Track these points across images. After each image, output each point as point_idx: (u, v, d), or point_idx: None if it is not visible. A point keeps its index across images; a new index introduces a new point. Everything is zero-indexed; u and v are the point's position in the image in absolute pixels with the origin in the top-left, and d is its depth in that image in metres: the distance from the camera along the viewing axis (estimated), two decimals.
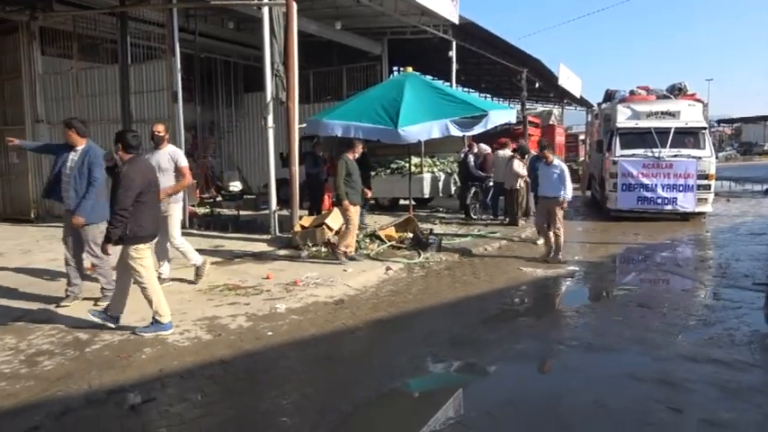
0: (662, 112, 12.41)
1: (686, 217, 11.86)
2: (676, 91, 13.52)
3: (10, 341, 4.76)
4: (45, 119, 11.76)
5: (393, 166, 13.09)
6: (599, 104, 16.64)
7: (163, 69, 10.34)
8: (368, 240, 8.89)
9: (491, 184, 12.40)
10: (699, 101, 13.06)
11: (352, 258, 7.77)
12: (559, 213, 8.10)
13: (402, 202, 12.61)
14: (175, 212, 6.44)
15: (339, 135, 8.83)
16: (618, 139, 12.19)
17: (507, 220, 11.52)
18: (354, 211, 7.83)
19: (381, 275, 7.22)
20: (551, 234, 8.15)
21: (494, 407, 3.83)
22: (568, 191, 8.05)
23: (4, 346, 4.64)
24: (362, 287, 6.68)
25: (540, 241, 8.88)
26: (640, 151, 11.91)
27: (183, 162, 6.32)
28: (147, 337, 4.81)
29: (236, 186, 15.81)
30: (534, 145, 15.33)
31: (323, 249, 8.34)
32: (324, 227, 8.63)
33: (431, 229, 9.74)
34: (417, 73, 10.27)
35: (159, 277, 6.23)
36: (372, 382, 4.13)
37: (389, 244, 8.67)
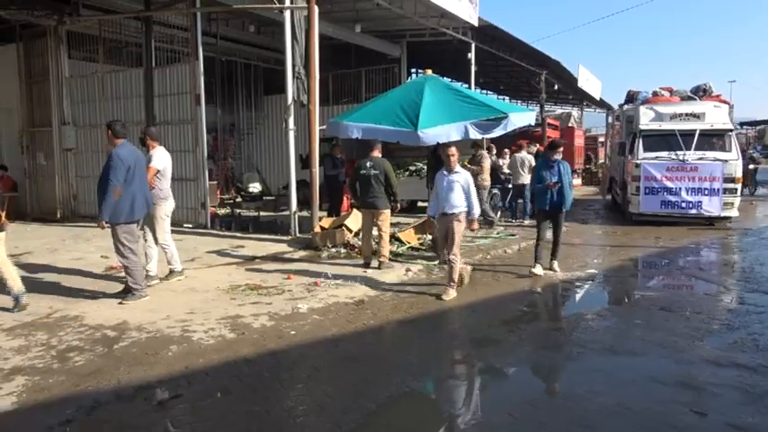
0: (686, 114, 12.10)
1: (711, 222, 11.57)
2: (701, 92, 13.25)
3: (42, 337, 4.90)
4: (71, 121, 12.03)
5: (411, 168, 13.12)
6: (620, 106, 16.28)
7: (186, 72, 10.52)
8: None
9: (510, 186, 12.41)
10: (724, 102, 12.75)
11: (389, 266, 7.62)
12: (458, 235, 6.45)
13: (420, 204, 12.63)
14: (157, 212, 6.48)
15: (359, 137, 8.90)
16: (641, 142, 11.94)
17: (527, 221, 11.51)
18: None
19: (401, 277, 7.26)
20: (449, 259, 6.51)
21: (515, 407, 3.84)
22: (475, 206, 6.51)
23: (37, 342, 4.78)
24: (383, 289, 6.71)
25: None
26: (664, 154, 11.65)
27: (151, 162, 6.39)
28: (171, 334, 4.91)
29: (255, 188, 15.99)
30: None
31: (342, 250, 8.40)
32: (343, 228, 8.70)
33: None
34: (437, 75, 10.28)
35: (147, 275, 6.42)
36: (394, 381, 4.17)
37: (409, 246, 8.70)
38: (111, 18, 11.78)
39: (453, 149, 6.65)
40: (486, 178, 11.16)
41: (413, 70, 17.60)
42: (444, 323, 5.65)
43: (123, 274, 6.11)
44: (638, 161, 11.73)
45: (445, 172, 6.59)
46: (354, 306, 5.98)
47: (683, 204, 11.49)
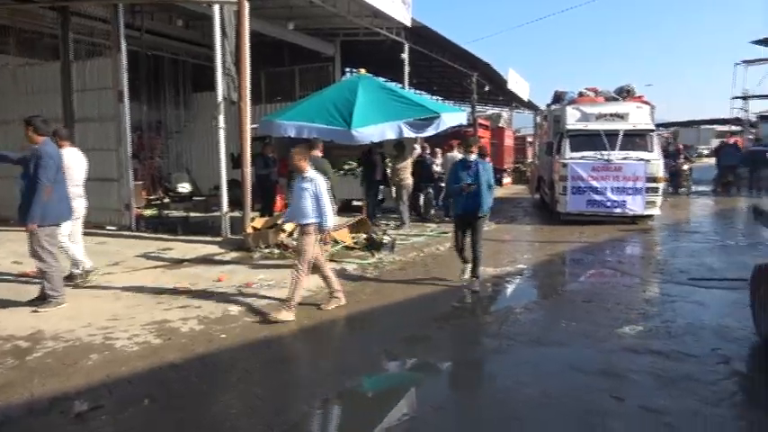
0: (611, 114, 12.26)
1: (635, 220, 11.76)
2: (624, 93, 13.44)
3: None
4: None
5: (346, 167, 13.09)
6: (548, 106, 16.36)
7: (107, 67, 9.99)
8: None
9: (443, 184, 12.62)
10: (646, 103, 12.92)
11: None
12: (308, 247, 5.57)
13: (355, 203, 12.63)
14: None
15: (292, 136, 8.81)
16: (567, 142, 12.03)
17: None
18: None
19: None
20: (295, 273, 5.60)
21: (447, 402, 3.92)
22: (328, 217, 5.59)
23: None
24: (316, 288, 6.63)
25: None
26: (590, 153, 11.75)
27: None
28: (92, 342, 4.66)
29: (184, 188, 15.43)
30: (483, 145, 15.75)
31: (276, 251, 8.27)
32: (277, 228, 8.55)
33: (384, 230, 9.80)
34: (370, 74, 10.33)
35: (84, 270, 6.32)
36: (328, 381, 4.14)
37: (343, 245, 8.68)
38: (25, 8, 11.02)
39: (297, 149, 5.84)
40: (406, 177, 11.22)
41: (347, 69, 17.55)
42: (377, 321, 5.67)
43: (39, 279, 5.73)
44: (565, 161, 11.79)
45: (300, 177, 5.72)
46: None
47: (609, 203, 11.60)
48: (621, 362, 4.42)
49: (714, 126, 53.31)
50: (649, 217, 11.84)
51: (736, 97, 30.96)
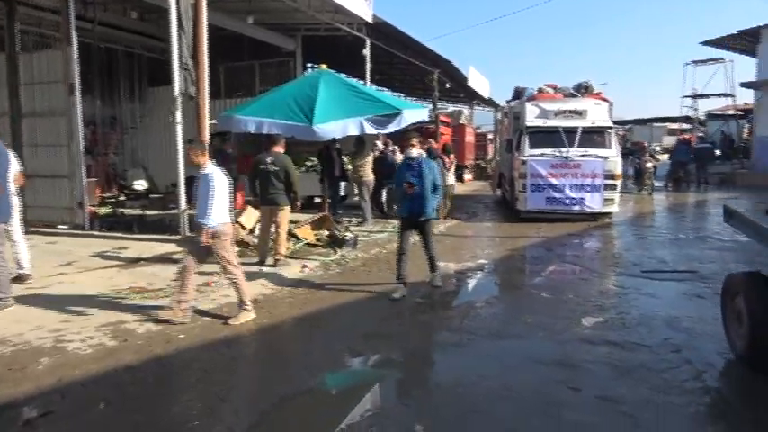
0: (569, 111, 12.19)
1: (594, 217, 11.72)
2: (582, 89, 13.34)
3: None
4: None
5: (308, 163, 12.98)
6: (508, 102, 16.13)
7: (58, 59, 9.60)
8: None
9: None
10: (605, 100, 12.87)
11: (284, 264, 7.49)
12: (222, 252, 5.28)
13: (317, 200, 12.54)
14: None
15: (252, 131, 8.68)
16: (527, 139, 11.93)
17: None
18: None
19: (297, 274, 7.17)
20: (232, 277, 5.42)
21: (409, 397, 3.94)
22: (212, 215, 5.13)
23: None
24: (278, 286, 6.60)
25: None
26: (549, 151, 11.66)
27: None
28: (42, 346, 4.48)
29: (140, 185, 14.99)
30: (447, 142, 15.87)
31: (236, 249, 8.12)
32: (236, 226, 8.40)
33: (346, 227, 9.78)
34: (332, 70, 10.25)
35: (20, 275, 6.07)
36: (290, 379, 4.10)
37: (305, 242, 8.61)
38: None
39: (193, 145, 5.50)
40: (367, 174, 11.19)
41: (308, 65, 17.39)
42: (339, 318, 5.65)
43: None
44: (525, 158, 11.69)
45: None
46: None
47: (567, 201, 11.55)
48: (578, 353, 4.54)
49: (666, 124, 55.34)
50: (608, 214, 11.85)
51: (686, 96, 32.12)
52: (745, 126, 31.15)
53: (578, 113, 12.18)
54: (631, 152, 31.04)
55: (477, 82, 22.98)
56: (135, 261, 7.53)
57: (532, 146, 11.85)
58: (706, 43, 28.18)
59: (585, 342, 4.77)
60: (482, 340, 4.92)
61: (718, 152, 25.01)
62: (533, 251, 9.33)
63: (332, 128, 8.41)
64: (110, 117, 15.55)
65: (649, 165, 18.03)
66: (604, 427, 3.44)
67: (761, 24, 24.73)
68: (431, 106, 21.05)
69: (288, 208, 7.50)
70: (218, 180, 5.30)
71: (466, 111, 29.73)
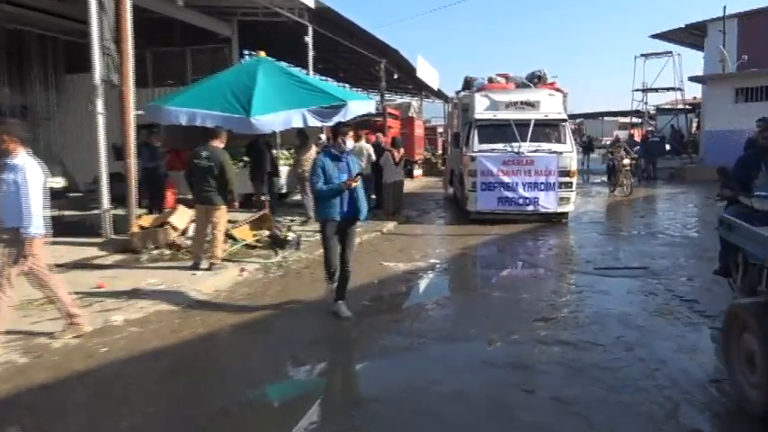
0: (521, 102, 11.90)
1: (549, 218, 11.51)
2: (536, 79, 13.07)
3: None
4: None
5: (245, 158, 12.75)
6: (457, 93, 15.84)
7: None
8: None
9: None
10: (559, 90, 12.64)
11: (221, 267, 7.31)
12: (33, 267, 4.65)
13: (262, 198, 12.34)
14: None
15: (183, 123, 8.43)
16: (476, 133, 11.62)
17: (379, 214, 11.90)
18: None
19: (235, 278, 7.06)
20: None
21: (358, 405, 3.93)
22: (32, 221, 4.49)
23: None
24: (214, 291, 6.46)
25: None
26: (500, 146, 11.36)
27: None
28: None
29: (57, 182, 14.24)
30: (396, 135, 15.92)
31: (167, 252, 7.91)
32: (167, 227, 8.18)
33: (289, 226, 9.68)
34: (271, 58, 10.10)
35: None
36: (228, 392, 4.01)
37: (243, 243, 8.47)
38: None
39: (4, 126, 4.75)
40: (308, 169, 11.15)
41: (245, 52, 17.09)
42: (282, 324, 5.57)
43: None
44: (474, 154, 11.40)
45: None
46: (181, 313, 5.68)
47: (520, 201, 11.29)
48: (532, 354, 4.66)
49: (617, 118, 57.73)
50: (564, 215, 11.66)
51: (637, 90, 33.54)
52: (693, 120, 32.90)
53: (531, 105, 11.91)
54: (590, 147, 31.87)
55: (426, 72, 23.19)
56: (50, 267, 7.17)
57: (482, 140, 11.55)
58: (655, 36, 29.61)
59: (539, 343, 4.90)
60: (433, 343, 4.97)
61: (668, 146, 26.31)
62: (486, 250, 9.52)
63: (271, 120, 8.29)
64: (20, 107, 14.74)
65: (626, 161, 16.88)
66: (558, 428, 3.54)
67: (707, 19, 26.21)
68: (378, 98, 21.14)
69: (224, 207, 7.34)
70: (32, 174, 4.50)
71: (415, 103, 29.97)
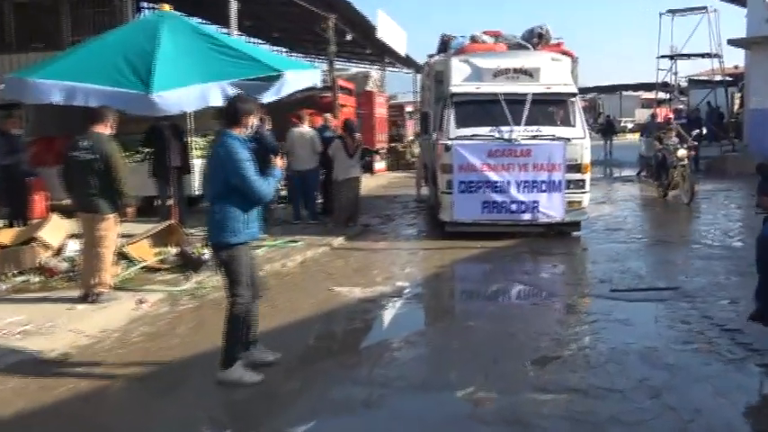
0: (514, 70, 11.38)
1: (553, 230, 11.13)
2: (535, 38, 12.80)
3: None
4: None
5: (145, 149, 12.58)
6: (431, 57, 15.52)
7: None
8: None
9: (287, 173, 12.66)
10: (566, 53, 12.33)
11: (111, 298, 7.23)
12: None
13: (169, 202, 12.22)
14: None
15: (58, 102, 8.33)
16: (452, 112, 11.15)
17: (328, 222, 11.95)
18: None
19: (131, 312, 6.98)
20: None
21: None
22: None
23: None
24: (101, 332, 6.36)
25: None
26: (485, 130, 10.88)
27: None
28: None
29: None
30: (349, 117, 15.92)
31: (35, 279, 7.80)
32: (36, 244, 8.03)
33: (205, 242, 9.59)
34: (179, 13, 10.05)
35: None
36: None
37: (142, 265, 8.38)
38: None
39: None
40: None
41: (143, 5, 16.94)
42: (197, 376, 5.52)
43: None
44: (449, 142, 10.91)
45: None
46: (55, 363, 5.59)
47: (514, 206, 10.84)
48: (530, 405, 4.72)
49: (639, 93, 59.24)
50: (573, 225, 11.30)
51: (663, 56, 34.42)
52: (736, 96, 33.98)
53: (528, 74, 11.41)
54: (611, 130, 31.79)
55: (390, 33, 23.40)
56: None
57: (460, 123, 11.10)
58: None
59: (539, 390, 4.96)
60: (400, 395, 4.98)
61: (704, 130, 27.12)
62: (470, 268, 9.61)
63: (180, 97, 8.28)
64: None
65: (681, 152, 15.28)
66: None
67: None
68: (325, 66, 21.18)
69: (111, 217, 7.22)
70: None
71: (375, 73, 30.14)
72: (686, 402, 4.70)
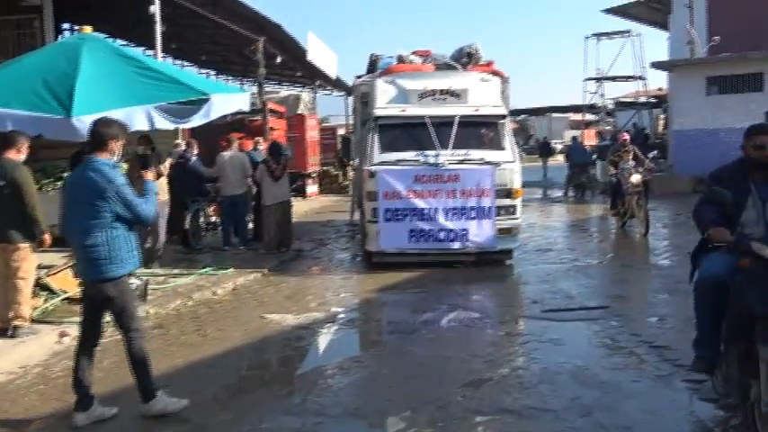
0: (441, 91, 11.09)
1: (485, 259, 10.71)
2: (464, 58, 12.70)
3: None
4: None
5: (65, 175, 12.31)
6: (359, 78, 15.31)
7: None
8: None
9: (218, 198, 12.56)
10: (497, 73, 12.18)
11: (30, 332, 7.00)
12: None
13: None
14: None
15: None
16: (377, 136, 10.85)
17: (259, 248, 11.87)
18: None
19: (52, 346, 6.82)
20: None
21: None
22: None
23: None
24: (21, 368, 6.20)
25: None
26: (411, 155, 10.60)
27: None
28: None
29: None
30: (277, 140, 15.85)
31: None
32: None
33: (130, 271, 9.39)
34: (101, 34, 9.89)
35: None
36: None
37: (64, 296, 8.15)
38: None
39: None
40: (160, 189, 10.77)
41: (64, 26, 16.62)
42: (123, 410, 5.36)
43: None
44: (374, 168, 10.58)
45: None
46: None
47: (442, 235, 10.52)
48: (464, 428, 4.78)
49: (567, 114, 61.02)
50: (506, 253, 10.97)
51: (589, 79, 35.64)
52: (660, 117, 35.35)
53: (455, 95, 11.14)
54: (549, 151, 32.62)
55: (321, 56, 23.49)
56: None
57: (385, 147, 10.79)
58: (609, 11, 31.71)
59: (473, 412, 5.03)
60: (334, 423, 4.98)
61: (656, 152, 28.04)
62: (402, 292, 9.66)
63: None
64: None
65: (636, 177, 13.52)
66: None
67: None
68: (255, 89, 21.12)
69: (26, 245, 7.01)
70: None
71: (306, 96, 30.22)
72: (617, 420, 4.84)
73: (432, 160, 10.46)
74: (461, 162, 10.55)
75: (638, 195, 13.40)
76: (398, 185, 10.43)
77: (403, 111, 11.00)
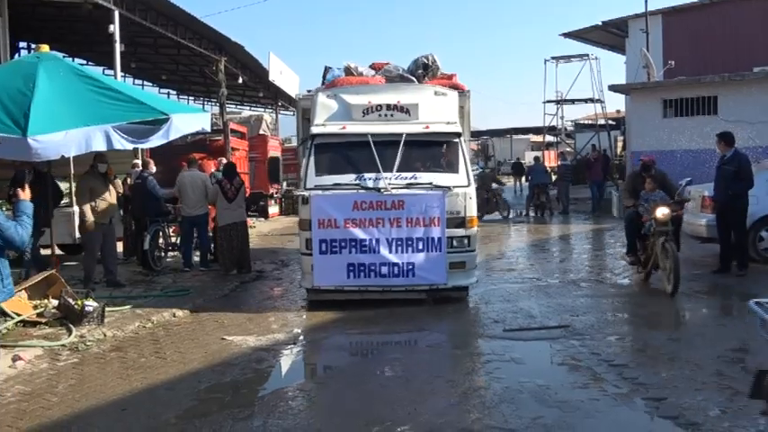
0: (388, 107, 9.89)
1: (434, 296, 9.48)
2: (420, 69, 11.74)
3: None
4: None
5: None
6: (309, 92, 12.85)
7: None
8: None
9: (178, 219, 12.48)
10: (456, 87, 11.15)
11: None
12: None
13: (44, 251, 11.72)
14: None
15: None
16: (313, 157, 9.68)
17: (220, 269, 11.81)
18: None
19: (5, 370, 6.69)
20: None
21: None
22: None
23: None
24: None
25: None
26: (350, 178, 9.46)
27: None
28: None
29: None
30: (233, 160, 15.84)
31: None
32: None
33: (88, 291, 9.29)
34: (59, 54, 9.80)
35: None
36: None
37: (19, 319, 8.02)
38: None
39: None
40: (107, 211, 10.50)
41: (20, 45, 16.41)
42: None
43: None
44: (307, 193, 9.41)
45: None
46: None
47: (385, 269, 9.28)
48: None
49: (528, 136, 61.99)
50: (461, 290, 9.73)
51: (549, 101, 36.23)
52: (618, 138, 36.09)
53: (404, 111, 9.91)
54: (522, 171, 33.48)
55: (282, 76, 23.56)
56: None
57: (321, 170, 9.66)
58: (567, 35, 32.39)
59: None
60: None
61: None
62: (363, 311, 9.64)
63: (59, 141, 8.03)
64: None
65: (663, 211, 9.74)
66: None
67: (628, 15, 29.07)
68: (217, 110, 21.07)
69: None
70: None
71: (268, 116, 30.20)
72: None
73: (372, 184, 9.31)
74: (407, 186, 9.38)
75: (664, 237, 9.74)
76: (334, 213, 9.26)
77: (343, 128, 9.80)
